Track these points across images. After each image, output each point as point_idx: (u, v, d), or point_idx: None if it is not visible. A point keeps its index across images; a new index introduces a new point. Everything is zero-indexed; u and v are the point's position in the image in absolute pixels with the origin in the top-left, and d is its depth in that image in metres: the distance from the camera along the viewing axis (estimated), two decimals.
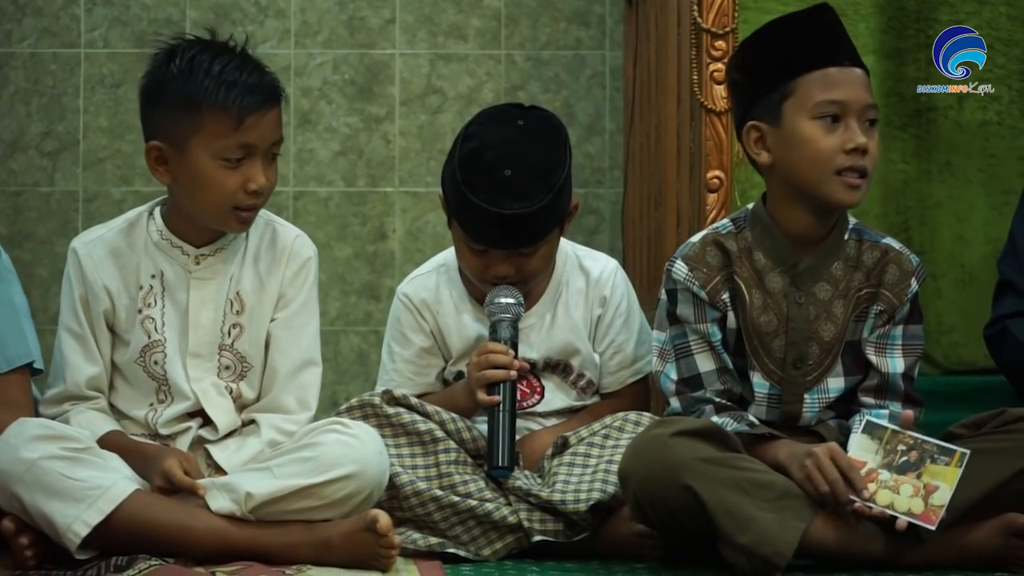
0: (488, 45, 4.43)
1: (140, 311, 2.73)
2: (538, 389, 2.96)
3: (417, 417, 2.79)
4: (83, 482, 2.48)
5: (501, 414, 2.76)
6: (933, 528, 2.46)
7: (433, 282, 3.00)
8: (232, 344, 2.74)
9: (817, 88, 2.61)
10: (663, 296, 2.74)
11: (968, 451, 2.49)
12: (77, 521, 2.45)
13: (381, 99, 4.43)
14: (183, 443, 2.71)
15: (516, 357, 2.81)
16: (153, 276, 2.74)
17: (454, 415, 2.82)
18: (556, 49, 4.44)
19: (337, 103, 4.41)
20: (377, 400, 2.79)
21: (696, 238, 2.76)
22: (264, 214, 2.81)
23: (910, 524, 2.48)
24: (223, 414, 2.73)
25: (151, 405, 2.74)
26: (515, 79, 4.43)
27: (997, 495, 2.50)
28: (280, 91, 2.73)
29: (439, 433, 2.78)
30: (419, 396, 2.92)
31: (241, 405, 2.76)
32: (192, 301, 2.73)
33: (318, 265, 2.83)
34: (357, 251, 4.41)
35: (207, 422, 2.74)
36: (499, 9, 4.44)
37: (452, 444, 2.79)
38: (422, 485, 2.72)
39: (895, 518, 2.47)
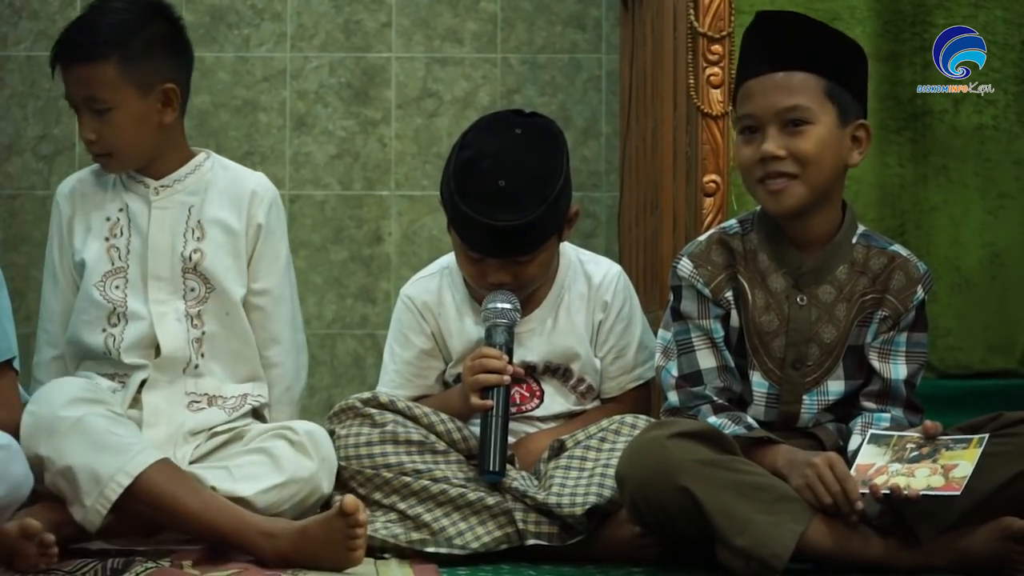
0: (484, 48, 4.44)
1: (107, 239, 2.94)
2: (537, 393, 2.96)
3: (400, 420, 2.79)
4: (124, 438, 2.65)
5: (494, 419, 2.76)
6: (959, 493, 2.42)
7: (436, 284, 3.00)
8: (195, 268, 2.93)
9: (739, 104, 2.71)
10: (670, 295, 2.76)
11: (987, 435, 2.48)
12: (120, 472, 2.60)
13: (377, 102, 4.43)
14: (133, 383, 2.87)
15: (511, 362, 2.82)
16: (120, 210, 2.96)
17: (444, 416, 2.83)
18: (552, 53, 4.44)
19: (333, 106, 4.41)
20: (359, 404, 2.80)
21: (702, 237, 2.79)
22: (224, 160, 3.05)
23: (909, 524, 2.47)
24: (171, 339, 2.89)
25: (104, 331, 2.90)
26: (511, 83, 4.43)
27: (994, 499, 2.50)
28: (97, 46, 2.87)
29: (430, 438, 2.79)
30: (417, 398, 2.94)
31: (205, 340, 2.92)
32: (152, 227, 2.93)
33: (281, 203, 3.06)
34: (353, 254, 4.41)
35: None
36: (495, 12, 4.44)
37: (441, 445, 2.79)
38: (408, 478, 2.73)
39: (915, 495, 2.43)
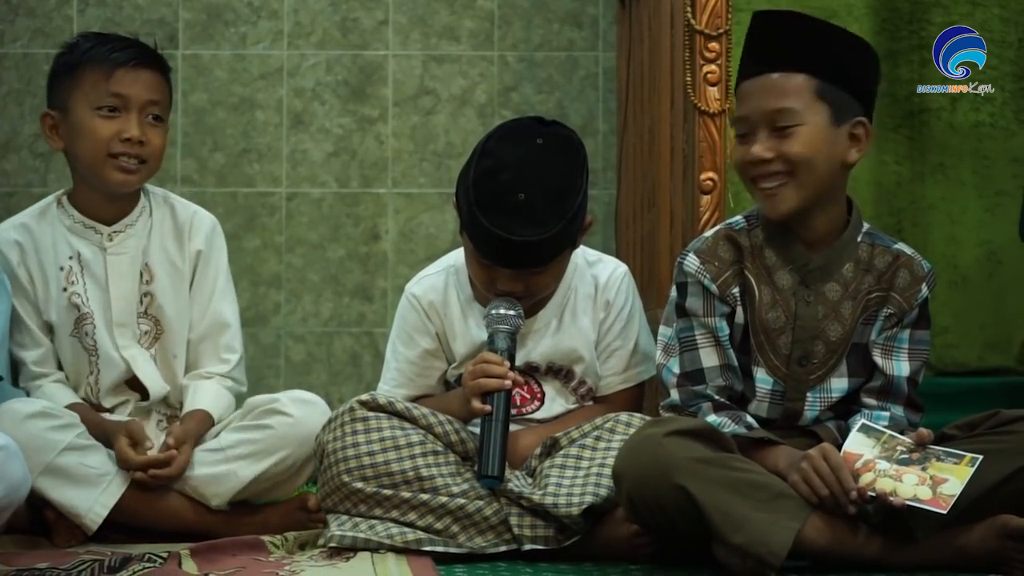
0: (481, 46, 4.44)
1: (65, 289, 3.01)
2: (538, 395, 2.96)
3: (396, 423, 2.78)
4: (96, 469, 2.84)
5: (493, 423, 2.74)
6: (944, 512, 2.42)
7: (442, 283, 2.99)
8: (147, 311, 3.04)
9: (736, 106, 2.71)
10: (673, 291, 2.75)
11: (980, 456, 2.47)
12: (96, 504, 2.81)
13: (374, 100, 4.43)
14: (122, 415, 3.00)
15: (512, 368, 2.80)
16: (71, 257, 3.01)
17: (443, 417, 2.82)
18: (549, 50, 4.44)
19: (330, 104, 4.41)
20: (356, 406, 2.79)
21: (709, 233, 2.78)
22: (163, 192, 3.12)
23: (905, 522, 2.47)
24: (152, 380, 3.03)
25: (86, 378, 3.01)
26: (508, 80, 4.43)
27: (991, 497, 2.49)
28: (159, 59, 2.99)
29: (428, 438, 2.77)
30: (418, 397, 2.93)
31: (162, 372, 3.05)
32: (111, 275, 3.02)
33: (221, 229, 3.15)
34: (350, 252, 4.41)
35: (144, 398, 3.04)
36: (492, 10, 4.44)
37: (439, 446, 2.78)
38: (407, 495, 2.71)
39: (900, 504, 2.42)
